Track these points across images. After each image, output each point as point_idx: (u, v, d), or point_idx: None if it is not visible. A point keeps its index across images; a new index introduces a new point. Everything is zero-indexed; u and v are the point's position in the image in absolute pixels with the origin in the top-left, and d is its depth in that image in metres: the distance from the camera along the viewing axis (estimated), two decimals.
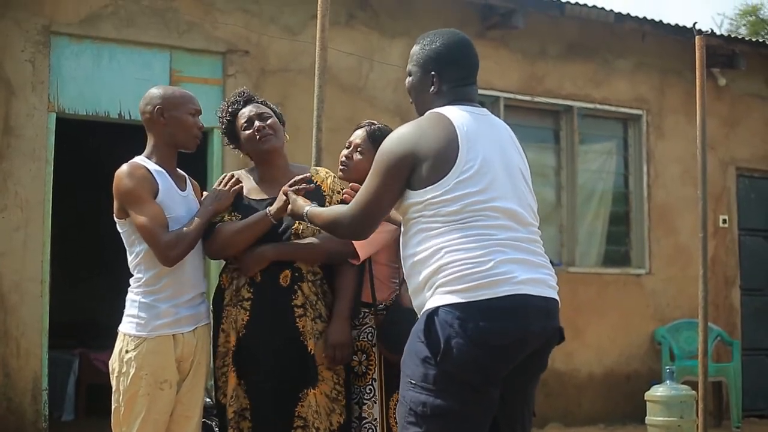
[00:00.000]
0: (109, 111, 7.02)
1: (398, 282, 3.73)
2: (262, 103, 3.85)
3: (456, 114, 2.95)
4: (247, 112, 3.77)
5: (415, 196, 2.88)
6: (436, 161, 2.85)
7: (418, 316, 2.92)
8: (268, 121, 3.74)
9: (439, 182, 2.84)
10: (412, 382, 2.81)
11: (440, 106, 3.00)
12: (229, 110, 3.82)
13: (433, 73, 3.04)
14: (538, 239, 2.97)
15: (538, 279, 2.86)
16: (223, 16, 7.38)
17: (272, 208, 3.59)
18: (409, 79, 3.15)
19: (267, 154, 3.75)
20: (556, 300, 2.93)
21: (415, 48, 3.12)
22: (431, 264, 2.83)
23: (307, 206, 3.34)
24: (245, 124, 3.74)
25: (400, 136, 2.94)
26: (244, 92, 3.87)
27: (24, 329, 6.59)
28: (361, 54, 7.91)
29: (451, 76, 3.04)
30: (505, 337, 2.76)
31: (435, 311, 2.79)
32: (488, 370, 2.78)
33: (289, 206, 3.45)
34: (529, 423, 3.01)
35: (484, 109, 3.07)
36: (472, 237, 2.81)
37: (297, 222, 3.61)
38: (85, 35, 6.95)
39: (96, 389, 8.30)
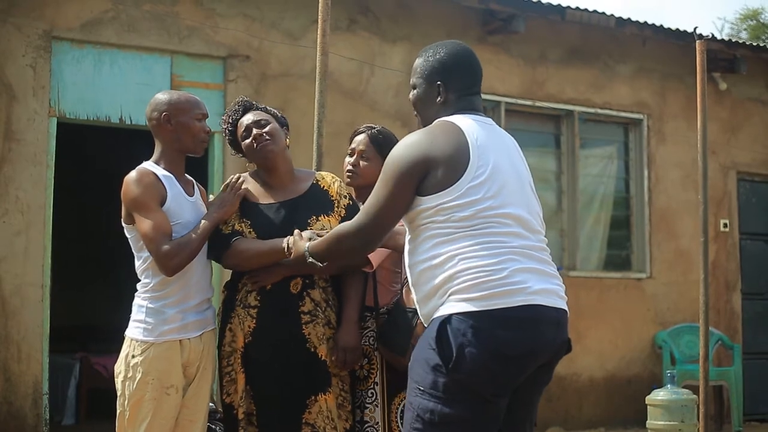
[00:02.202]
0: (110, 116, 7.02)
1: (399, 285, 3.73)
2: (262, 110, 3.82)
3: (465, 122, 2.94)
4: (245, 120, 3.74)
5: (425, 202, 2.85)
6: (449, 166, 2.83)
7: (425, 325, 2.89)
8: (266, 128, 3.70)
9: (452, 187, 2.82)
10: (421, 388, 2.79)
11: (447, 116, 2.98)
12: (230, 120, 3.81)
13: (438, 83, 3.03)
14: (546, 248, 2.95)
15: (550, 290, 2.85)
16: (224, 21, 7.39)
17: (292, 246, 3.49)
18: (414, 92, 3.12)
19: (267, 161, 3.72)
20: (566, 311, 2.92)
21: (418, 61, 3.10)
22: (445, 271, 2.80)
23: (306, 243, 3.26)
24: (244, 134, 3.72)
25: (412, 143, 2.91)
26: (241, 101, 3.85)
27: (25, 333, 6.59)
28: (362, 59, 7.91)
29: (456, 85, 3.03)
30: (518, 348, 2.74)
31: (448, 319, 2.76)
32: (500, 380, 2.76)
33: (293, 248, 3.38)
34: None
35: (490, 119, 3.07)
36: (486, 244, 2.78)
37: (308, 229, 3.57)
38: (86, 40, 6.96)
39: (97, 393, 8.30)
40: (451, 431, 2.76)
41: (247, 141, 3.71)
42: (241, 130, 3.75)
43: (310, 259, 3.21)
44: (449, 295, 2.79)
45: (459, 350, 2.71)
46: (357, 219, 3.01)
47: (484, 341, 2.71)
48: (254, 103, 3.87)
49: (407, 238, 2.99)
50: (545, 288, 2.82)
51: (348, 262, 3.51)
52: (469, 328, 2.71)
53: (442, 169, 2.83)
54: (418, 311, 2.97)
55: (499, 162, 2.90)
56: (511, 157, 2.99)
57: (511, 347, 2.73)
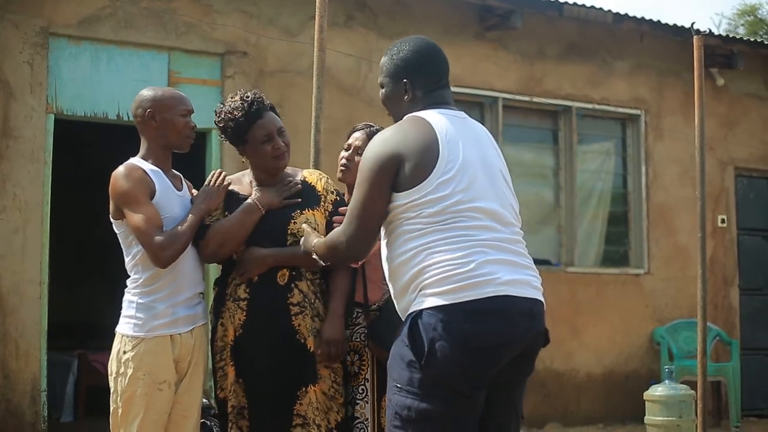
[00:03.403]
0: (107, 112, 7.02)
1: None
2: (273, 111, 3.75)
3: (434, 117, 2.94)
4: (268, 124, 3.67)
5: (398, 199, 2.86)
6: (418, 163, 2.84)
7: (402, 320, 2.90)
8: (287, 139, 3.70)
9: (422, 183, 2.82)
10: (398, 385, 2.81)
11: (417, 112, 2.99)
12: (248, 115, 3.66)
13: (405, 80, 3.04)
14: (521, 240, 2.95)
15: (521, 280, 2.84)
16: (221, 18, 7.38)
17: (258, 197, 3.61)
18: (382, 91, 3.13)
19: (278, 170, 3.72)
20: (541, 302, 2.91)
21: (384, 59, 3.11)
22: (415, 266, 2.82)
23: (315, 239, 3.26)
24: (265, 137, 3.65)
25: (384, 139, 2.92)
26: (262, 99, 3.71)
27: (23, 331, 6.59)
28: (360, 55, 7.91)
29: (423, 81, 3.04)
30: (488, 339, 2.74)
31: (419, 314, 2.78)
32: (472, 373, 2.76)
33: (302, 240, 3.42)
34: (516, 427, 2.99)
35: (462, 112, 3.07)
36: (454, 238, 2.79)
37: (291, 222, 3.62)
38: (83, 37, 6.95)
39: (95, 390, 8.29)
40: (428, 427, 2.77)
41: (267, 147, 3.65)
42: (261, 132, 3.65)
43: (315, 256, 3.22)
44: (420, 290, 2.80)
45: (430, 345, 2.72)
46: (342, 228, 3.00)
47: (453, 334, 2.71)
48: (270, 103, 3.76)
49: (383, 233, 2.99)
50: (516, 279, 2.82)
51: (342, 264, 3.55)
52: (439, 322, 2.72)
53: (412, 165, 2.84)
54: (396, 307, 2.97)
55: (470, 155, 2.90)
56: (482, 149, 2.98)
57: (481, 339, 2.72)
